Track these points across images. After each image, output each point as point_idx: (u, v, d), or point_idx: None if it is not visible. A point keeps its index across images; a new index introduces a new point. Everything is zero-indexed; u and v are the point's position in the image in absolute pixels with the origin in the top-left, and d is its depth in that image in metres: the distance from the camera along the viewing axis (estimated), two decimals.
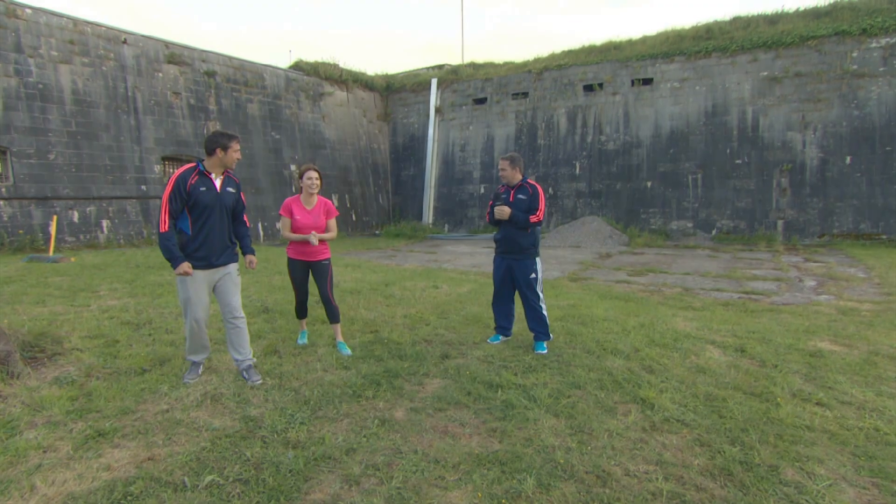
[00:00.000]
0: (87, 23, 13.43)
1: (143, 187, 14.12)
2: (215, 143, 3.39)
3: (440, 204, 21.31)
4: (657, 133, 17.26)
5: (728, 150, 16.20)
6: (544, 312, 4.39)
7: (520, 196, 4.36)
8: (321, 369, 3.77)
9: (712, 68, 16.51)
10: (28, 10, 12.36)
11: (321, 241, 4.27)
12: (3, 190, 11.63)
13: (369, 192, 21.57)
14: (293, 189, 17.72)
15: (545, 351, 4.28)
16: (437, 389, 3.41)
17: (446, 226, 20.83)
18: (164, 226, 3.28)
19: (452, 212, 20.89)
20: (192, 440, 2.69)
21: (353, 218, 20.46)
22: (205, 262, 3.40)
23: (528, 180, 4.43)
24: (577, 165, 18.50)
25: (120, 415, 2.97)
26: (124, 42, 14.05)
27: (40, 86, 12.37)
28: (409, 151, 22.42)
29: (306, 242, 4.19)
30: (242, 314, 3.61)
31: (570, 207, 18.51)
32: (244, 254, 3.76)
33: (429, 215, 21.31)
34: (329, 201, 4.36)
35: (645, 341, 4.61)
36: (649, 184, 17.35)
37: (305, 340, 4.55)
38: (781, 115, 15.50)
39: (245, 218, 3.77)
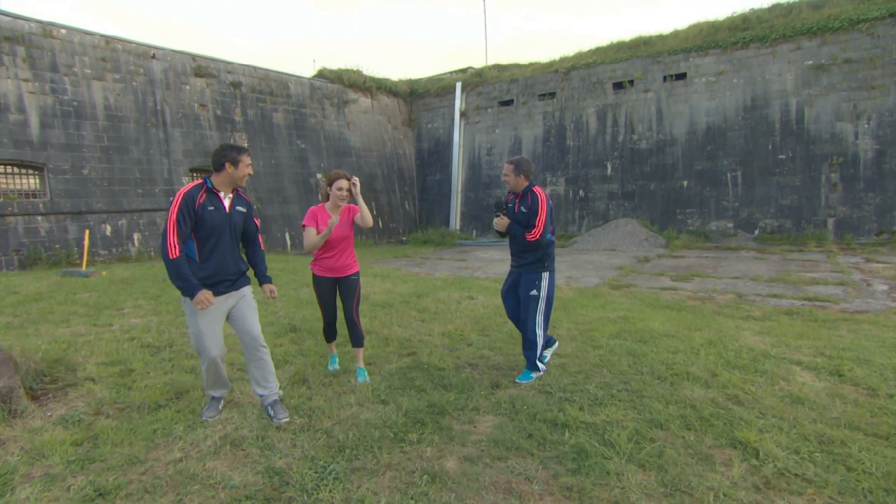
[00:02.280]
0: (118, 39, 13.53)
1: (172, 199, 14.09)
2: (224, 158, 3.01)
3: (467, 209, 20.82)
4: (692, 130, 16.42)
5: (770, 145, 15.24)
6: (537, 339, 3.76)
7: (521, 208, 3.77)
8: (356, 403, 3.29)
9: (750, 60, 15.61)
10: (63, 31, 12.50)
11: (349, 254, 3.89)
12: (41, 206, 11.75)
13: (395, 198, 21.25)
14: (319, 197, 17.52)
15: (529, 380, 3.71)
16: (492, 430, 2.89)
17: (474, 231, 20.32)
18: (175, 251, 2.85)
19: (480, 217, 20.35)
20: (206, 503, 2.25)
21: (380, 225, 20.16)
22: (215, 290, 3.00)
23: (534, 188, 3.76)
24: (609, 166, 17.77)
25: (126, 466, 2.55)
26: (153, 57, 14.11)
27: (75, 103, 12.47)
28: (434, 157, 22.03)
29: (332, 257, 3.80)
30: (265, 343, 3.19)
31: (602, 210, 17.78)
32: (261, 283, 3.31)
33: (456, 221, 20.83)
34: (354, 206, 3.88)
35: (720, 363, 4.02)
36: (685, 183, 16.51)
37: (336, 366, 4.12)
38: (829, 105, 14.48)
39: (260, 241, 3.34)
